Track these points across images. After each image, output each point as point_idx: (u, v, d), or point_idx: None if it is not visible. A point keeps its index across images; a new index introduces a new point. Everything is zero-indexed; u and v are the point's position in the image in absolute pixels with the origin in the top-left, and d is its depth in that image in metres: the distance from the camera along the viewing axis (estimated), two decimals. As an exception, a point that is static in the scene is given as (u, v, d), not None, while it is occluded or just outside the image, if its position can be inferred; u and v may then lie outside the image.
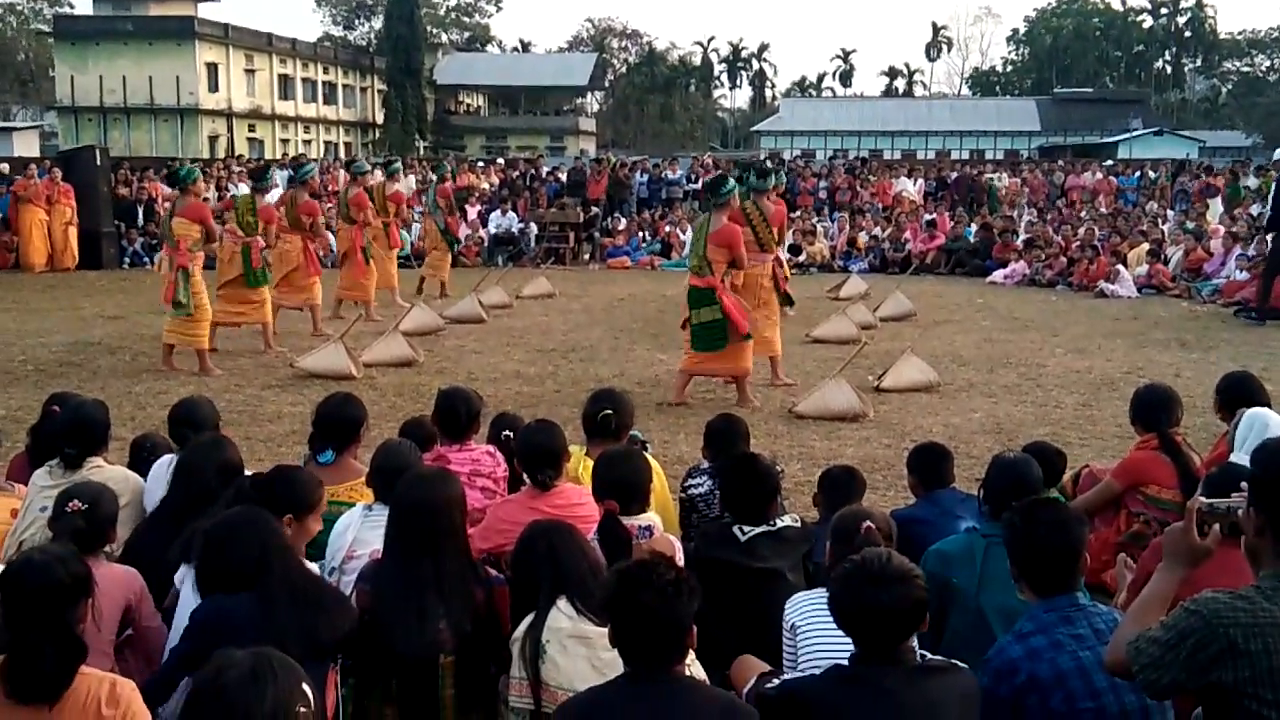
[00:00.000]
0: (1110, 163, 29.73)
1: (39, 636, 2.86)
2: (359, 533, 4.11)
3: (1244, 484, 2.75)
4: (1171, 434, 5.43)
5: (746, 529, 4.11)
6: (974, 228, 22.22)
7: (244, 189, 16.56)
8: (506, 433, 5.26)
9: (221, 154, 46.51)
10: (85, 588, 3.12)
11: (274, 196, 16.40)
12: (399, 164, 18.17)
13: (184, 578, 3.74)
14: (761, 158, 24.49)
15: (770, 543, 4.10)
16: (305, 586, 3.43)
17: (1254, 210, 21.13)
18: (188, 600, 3.66)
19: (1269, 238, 15.31)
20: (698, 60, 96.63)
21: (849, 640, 2.98)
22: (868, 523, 3.72)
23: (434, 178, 18.25)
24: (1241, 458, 4.87)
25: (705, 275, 9.28)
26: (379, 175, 16.87)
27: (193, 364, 10.79)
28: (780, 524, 4.16)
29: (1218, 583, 2.70)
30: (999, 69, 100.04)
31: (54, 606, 2.97)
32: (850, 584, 2.91)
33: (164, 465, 4.66)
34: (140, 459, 5.09)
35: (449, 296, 16.03)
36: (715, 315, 9.19)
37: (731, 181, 9.79)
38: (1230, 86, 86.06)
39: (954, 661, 3.03)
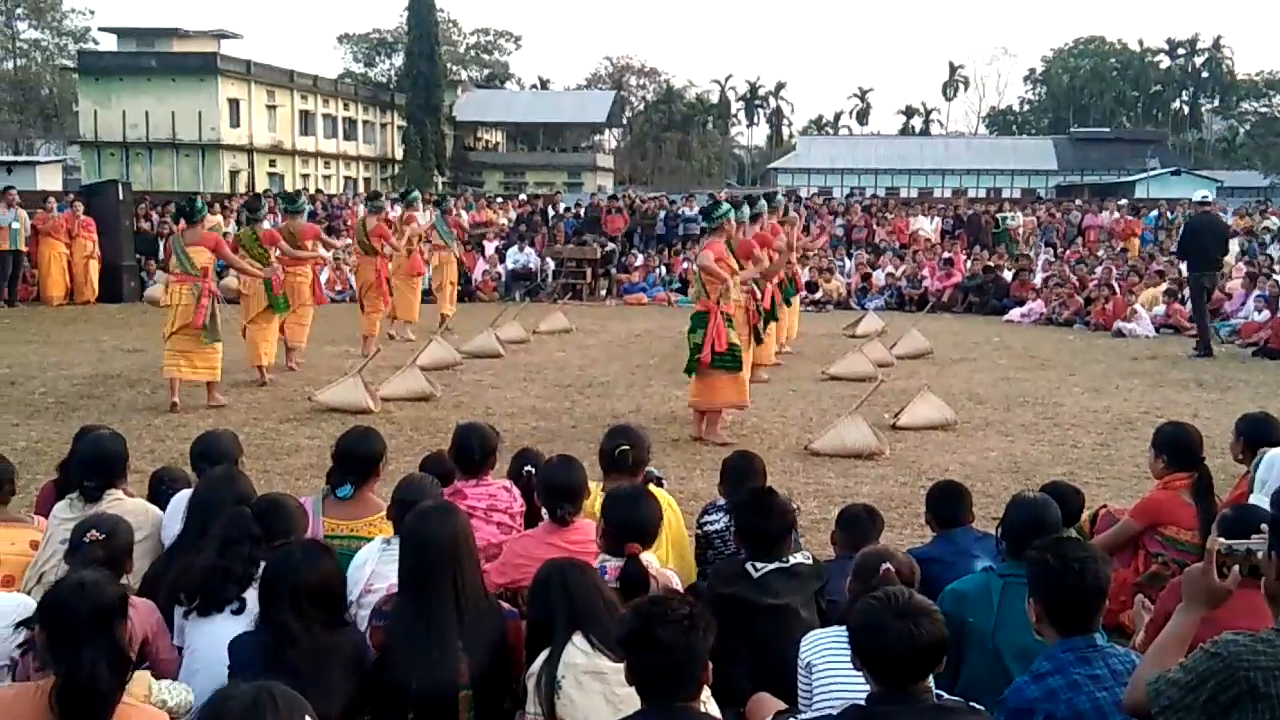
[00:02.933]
0: (1124, 202, 29.69)
1: (94, 655, 2.88)
2: (377, 566, 4.13)
3: (1264, 526, 2.74)
4: (1210, 475, 5.39)
5: (760, 565, 4.10)
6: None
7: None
8: (528, 468, 5.27)
9: (242, 189, 46.88)
10: (126, 608, 3.15)
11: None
12: (416, 193, 18.38)
13: (177, 617, 3.80)
14: (779, 194, 24.49)
15: (783, 579, 4.10)
16: (328, 646, 3.46)
17: (1272, 251, 21.13)
18: (179, 637, 3.70)
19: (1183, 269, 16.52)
20: (715, 98, 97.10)
21: (864, 680, 2.97)
22: (886, 565, 3.72)
23: (438, 212, 18.36)
24: (1263, 499, 4.84)
25: (701, 298, 9.57)
26: (396, 209, 17.08)
27: (203, 396, 10.89)
28: (793, 560, 4.15)
29: (1237, 625, 2.69)
30: (1016, 108, 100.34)
31: (108, 624, 2.99)
32: (872, 616, 2.91)
33: (182, 499, 4.68)
34: (159, 492, 5.11)
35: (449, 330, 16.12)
36: (699, 340, 9.43)
37: (725, 206, 9.96)
38: (1248, 127, 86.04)
39: (970, 703, 3.01)
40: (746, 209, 11.13)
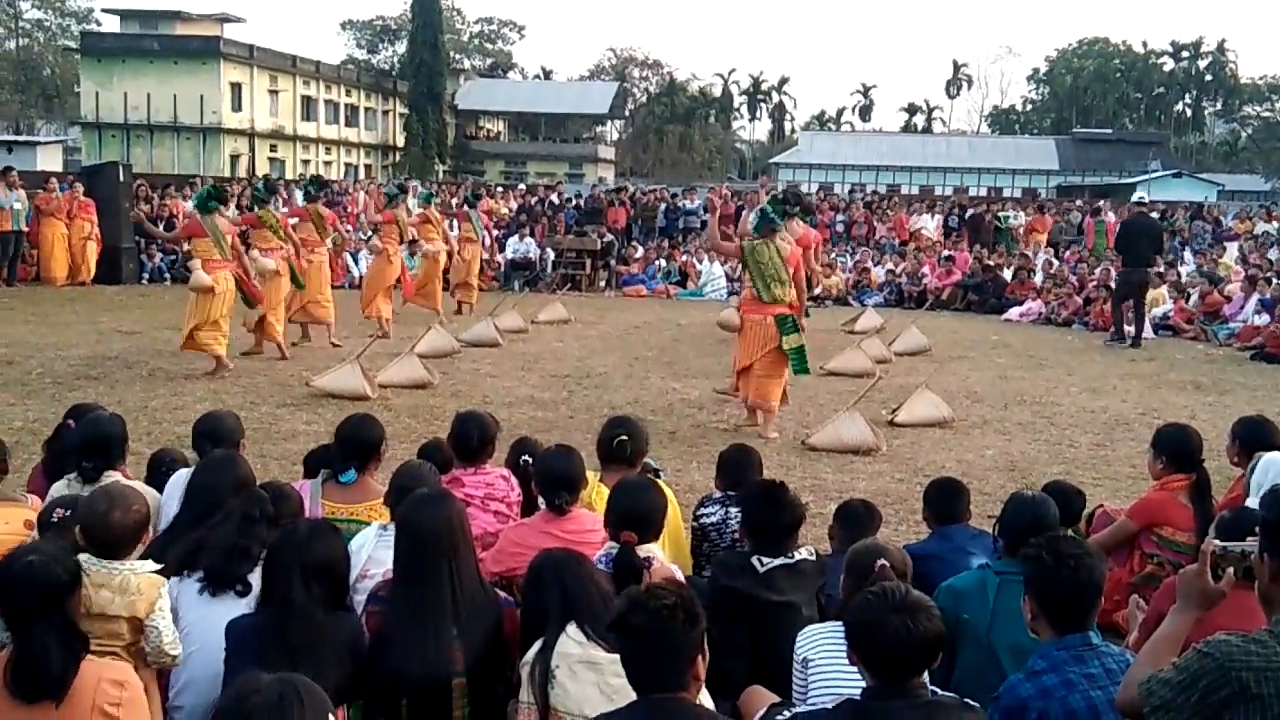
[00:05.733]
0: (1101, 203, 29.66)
1: (44, 636, 2.88)
2: (373, 552, 4.14)
3: (1258, 528, 2.75)
4: (1208, 478, 5.40)
5: (765, 560, 4.10)
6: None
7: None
8: (526, 458, 5.26)
9: (243, 173, 46.81)
10: (79, 579, 3.13)
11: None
12: (433, 196, 18.87)
13: (176, 589, 3.80)
14: (780, 190, 24.51)
15: (787, 575, 4.09)
16: (325, 627, 3.47)
17: (1271, 255, 21.17)
18: (187, 611, 3.72)
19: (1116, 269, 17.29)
20: (718, 91, 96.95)
21: (859, 675, 2.98)
22: (882, 561, 3.71)
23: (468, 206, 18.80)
24: (1258, 503, 4.85)
25: (790, 301, 9.47)
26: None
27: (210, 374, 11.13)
28: (797, 557, 4.15)
29: (1230, 626, 2.70)
30: (1019, 108, 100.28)
31: (56, 604, 2.98)
32: (869, 612, 2.91)
33: (180, 479, 4.68)
34: (159, 474, 5.11)
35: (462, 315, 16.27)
36: (802, 340, 9.48)
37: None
38: (1250, 131, 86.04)
39: (965, 699, 3.02)
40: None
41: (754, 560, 4.11)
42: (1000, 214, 26.68)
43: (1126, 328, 16.08)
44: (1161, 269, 18.91)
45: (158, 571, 3.74)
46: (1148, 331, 17.18)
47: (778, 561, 4.10)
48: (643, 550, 4.10)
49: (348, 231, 23.62)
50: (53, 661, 2.86)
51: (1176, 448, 5.49)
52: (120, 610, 3.57)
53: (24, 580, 2.97)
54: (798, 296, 9.73)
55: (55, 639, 2.89)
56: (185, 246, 11.40)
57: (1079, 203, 31.35)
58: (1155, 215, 27.61)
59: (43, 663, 2.85)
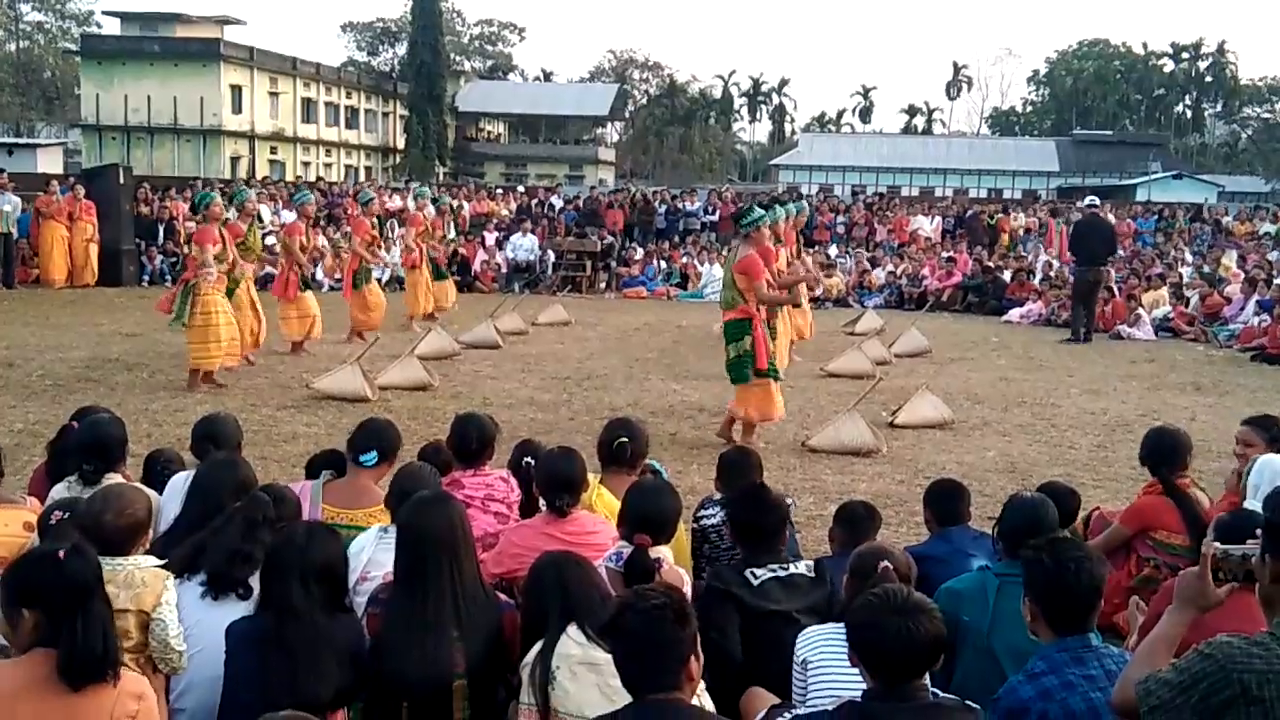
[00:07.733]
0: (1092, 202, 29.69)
1: (99, 613, 2.95)
2: (373, 554, 4.13)
3: (1258, 530, 2.75)
4: (1174, 479, 5.39)
5: (758, 573, 4.06)
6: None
7: (265, 211, 16.71)
8: (528, 459, 5.26)
9: (243, 175, 46.81)
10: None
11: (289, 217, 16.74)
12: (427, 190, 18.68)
13: (177, 592, 3.79)
14: (780, 191, 24.58)
15: (781, 589, 4.07)
16: (326, 630, 3.48)
17: (1272, 256, 21.17)
18: (189, 613, 3.72)
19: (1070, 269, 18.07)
20: (718, 93, 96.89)
21: (860, 677, 2.98)
22: (885, 563, 3.71)
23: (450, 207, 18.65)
24: (1256, 504, 4.84)
25: (737, 306, 8.97)
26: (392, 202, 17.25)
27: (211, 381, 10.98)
28: (792, 570, 4.12)
29: (1231, 628, 2.69)
30: (1019, 109, 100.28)
31: (103, 587, 3.04)
32: (871, 613, 2.91)
33: (180, 481, 4.68)
34: (155, 473, 5.12)
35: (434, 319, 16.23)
36: (747, 347, 8.84)
37: (757, 211, 9.61)
38: (1250, 132, 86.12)
39: (966, 701, 3.02)
40: (780, 210, 11.06)
41: (747, 574, 4.07)
42: (995, 215, 26.73)
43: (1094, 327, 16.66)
44: (1112, 269, 19.26)
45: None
46: (1149, 333, 17.25)
47: (771, 575, 4.07)
48: (653, 552, 4.11)
49: (345, 233, 23.62)
50: (107, 638, 2.93)
51: (1148, 451, 5.58)
52: (127, 604, 3.57)
53: (80, 562, 3.00)
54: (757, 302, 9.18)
55: (102, 623, 2.94)
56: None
57: (1079, 204, 31.32)
58: (1155, 216, 27.86)
59: (97, 642, 2.90)
